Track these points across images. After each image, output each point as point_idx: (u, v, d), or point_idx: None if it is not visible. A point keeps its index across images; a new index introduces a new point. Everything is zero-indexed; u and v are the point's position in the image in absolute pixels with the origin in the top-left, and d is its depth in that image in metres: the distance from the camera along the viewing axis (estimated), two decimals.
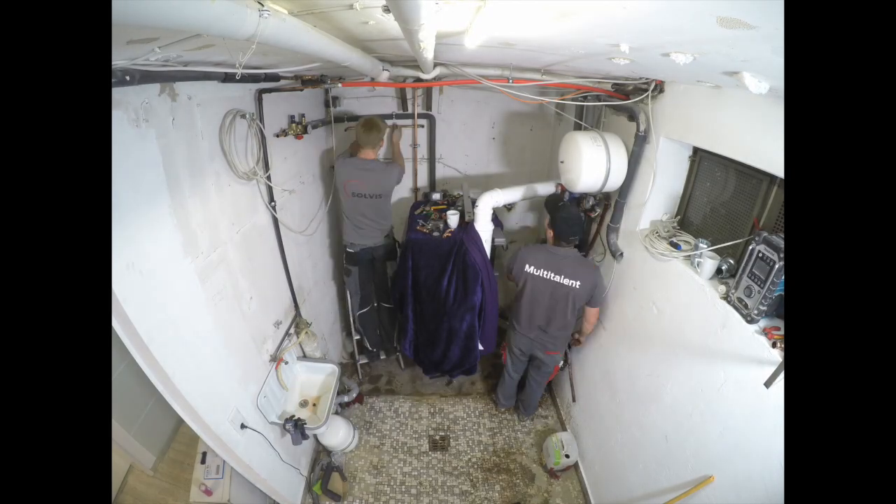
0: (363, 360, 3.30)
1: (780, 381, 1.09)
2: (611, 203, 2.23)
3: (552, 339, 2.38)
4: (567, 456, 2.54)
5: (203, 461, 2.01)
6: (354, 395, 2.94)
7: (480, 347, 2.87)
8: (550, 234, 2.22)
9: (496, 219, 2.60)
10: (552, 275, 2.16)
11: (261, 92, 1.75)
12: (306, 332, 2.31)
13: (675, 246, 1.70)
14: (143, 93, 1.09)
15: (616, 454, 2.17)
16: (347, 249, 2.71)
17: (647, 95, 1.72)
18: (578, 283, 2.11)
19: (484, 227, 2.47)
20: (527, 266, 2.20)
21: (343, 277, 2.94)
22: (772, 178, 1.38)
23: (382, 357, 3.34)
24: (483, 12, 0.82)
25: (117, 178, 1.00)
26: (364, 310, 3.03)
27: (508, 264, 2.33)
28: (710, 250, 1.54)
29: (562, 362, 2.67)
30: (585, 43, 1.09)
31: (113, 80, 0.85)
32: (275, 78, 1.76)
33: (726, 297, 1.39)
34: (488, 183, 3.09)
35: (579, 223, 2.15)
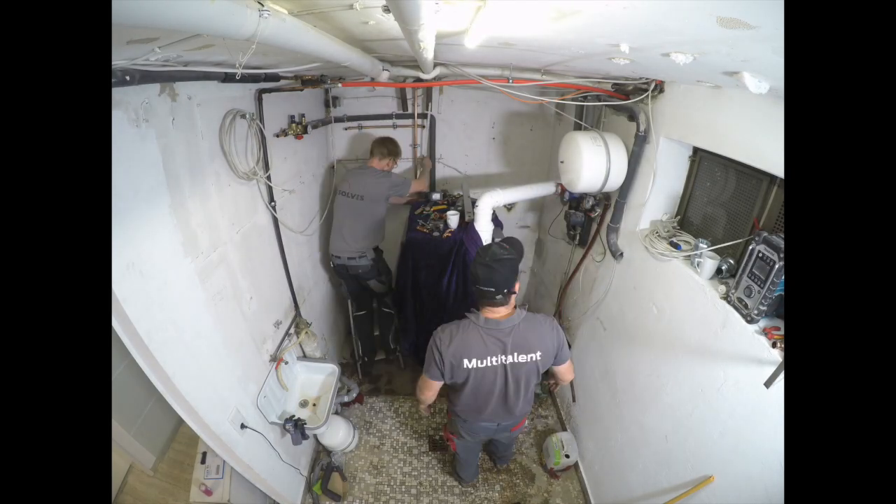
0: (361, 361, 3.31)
1: (780, 381, 1.09)
2: (611, 203, 2.23)
3: (517, 418, 1.86)
4: (567, 456, 2.54)
5: (203, 461, 2.01)
6: (354, 395, 2.94)
7: None
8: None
9: (496, 219, 2.60)
10: (502, 357, 1.54)
11: (261, 92, 1.75)
12: (306, 332, 2.31)
13: (676, 246, 1.70)
14: (143, 93, 1.09)
15: (616, 454, 2.17)
16: (331, 261, 2.72)
17: (647, 95, 1.72)
18: (539, 353, 1.55)
19: (484, 227, 2.47)
20: (465, 362, 1.54)
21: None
22: (772, 178, 1.38)
23: (379, 358, 3.34)
24: (483, 12, 0.82)
25: (117, 178, 1.00)
26: (361, 312, 3.03)
27: (428, 363, 1.62)
28: (710, 250, 1.54)
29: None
30: (585, 43, 1.09)
31: (113, 80, 0.85)
32: (275, 78, 1.76)
33: (726, 297, 1.38)
34: (488, 183, 3.09)
35: (512, 269, 1.47)
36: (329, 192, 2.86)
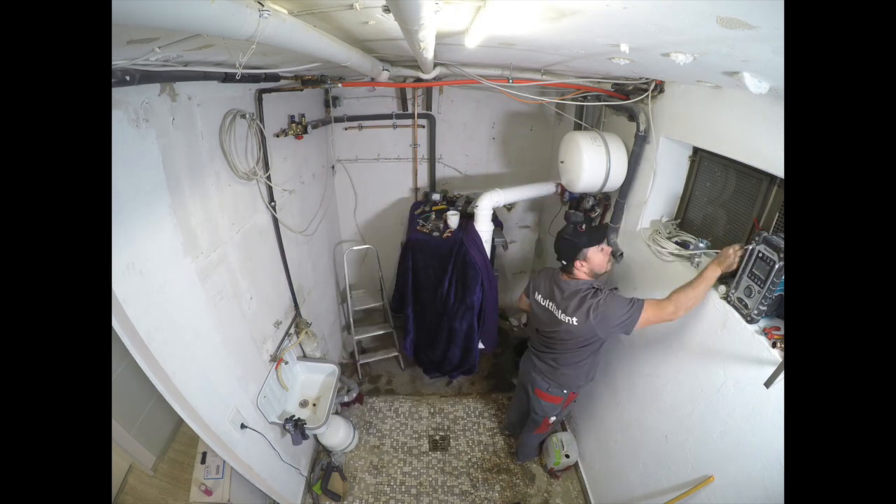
0: (364, 360, 3.31)
1: (780, 381, 1.09)
2: (611, 203, 2.23)
3: (552, 378, 2.05)
4: (567, 456, 2.54)
5: (203, 461, 2.01)
6: (354, 395, 2.94)
7: (481, 346, 2.87)
8: None
9: (496, 219, 2.60)
10: (551, 304, 1.90)
11: (261, 92, 1.75)
12: (306, 332, 2.31)
13: (684, 245, 1.69)
14: (143, 93, 1.09)
15: (616, 454, 2.17)
16: None
17: (647, 95, 1.72)
18: (575, 320, 1.76)
19: (484, 228, 2.47)
20: (536, 293, 1.99)
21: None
22: (772, 178, 1.38)
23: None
24: (483, 12, 0.82)
25: (117, 178, 1.00)
26: None
27: (527, 285, 2.13)
28: (710, 250, 1.54)
29: (552, 418, 2.23)
30: (585, 43, 1.09)
31: (113, 80, 0.85)
32: (275, 78, 1.76)
33: (726, 297, 1.38)
34: (488, 183, 3.09)
35: (567, 245, 1.80)
36: (329, 192, 2.86)
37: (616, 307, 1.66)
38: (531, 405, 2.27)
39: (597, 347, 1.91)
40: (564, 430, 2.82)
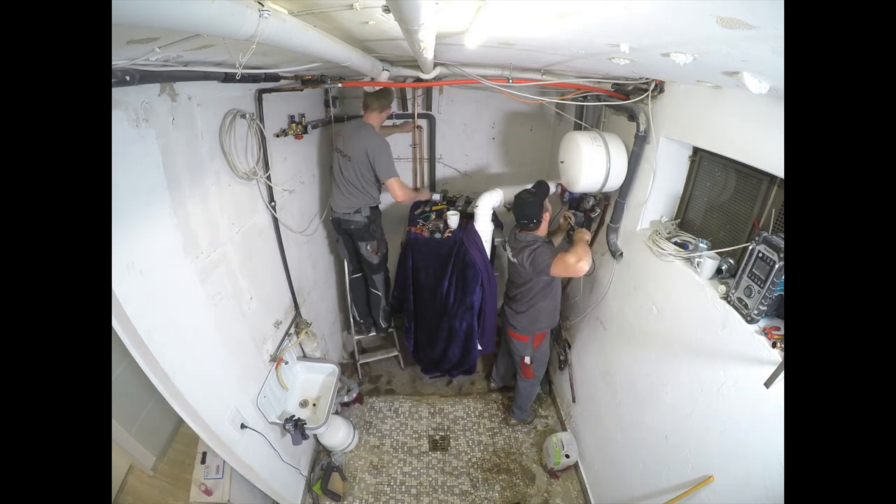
0: (364, 360, 3.31)
1: (780, 381, 1.09)
2: (611, 203, 2.23)
3: (517, 318, 2.45)
4: (567, 456, 2.54)
5: (203, 461, 2.01)
6: (354, 394, 2.94)
7: (479, 347, 2.87)
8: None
9: (496, 219, 2.60)
10: (511, 254, 2.35)
11: (261, 92, 1.75)
12: (306, 332, 2.31)
13: (683, 246, 1.69)
14: (143, 93, 1.09)
15: (616, 454, 2.17)
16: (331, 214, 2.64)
17: (647, 95, 1.72)
18: (518, 260, 2.26)
19: (484, 228, 2.47)
20: (509, 249, 2.40)
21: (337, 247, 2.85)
22: (772, 178, 1.38)
23: (372, 333, 3.20)
24: (483, 12, 0.82)
25: (117, 178, 1.00)
26: (356, 276, 2.95)
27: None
28: (711, 251, 1.54)
29: (528, 359, 2.56)
30: (585, 43, 1.09)
31: (113, 80, 0.85)
32: (275, 78, 1.76)
33: (726, 297, 1.38)
34: (488, 183, 3.09)
35: (529, 208, 2.18)
36: (329, 192, 2.86)
37: (545, 255, 2.13)
38: (510, 349, 2.64)
39: (539, 289, 2.30)
40: (564, 430, 2.82)
